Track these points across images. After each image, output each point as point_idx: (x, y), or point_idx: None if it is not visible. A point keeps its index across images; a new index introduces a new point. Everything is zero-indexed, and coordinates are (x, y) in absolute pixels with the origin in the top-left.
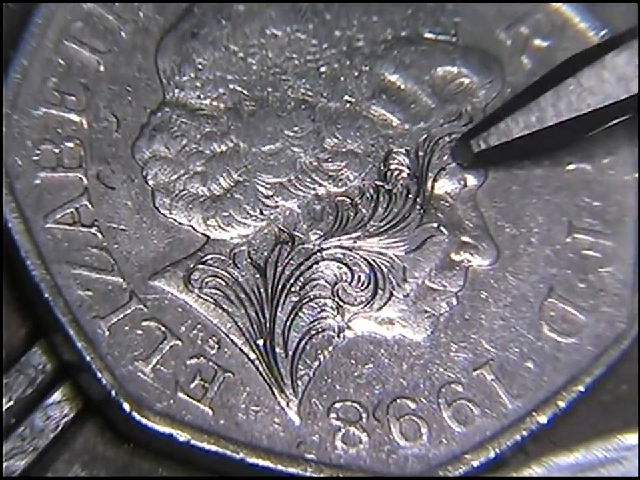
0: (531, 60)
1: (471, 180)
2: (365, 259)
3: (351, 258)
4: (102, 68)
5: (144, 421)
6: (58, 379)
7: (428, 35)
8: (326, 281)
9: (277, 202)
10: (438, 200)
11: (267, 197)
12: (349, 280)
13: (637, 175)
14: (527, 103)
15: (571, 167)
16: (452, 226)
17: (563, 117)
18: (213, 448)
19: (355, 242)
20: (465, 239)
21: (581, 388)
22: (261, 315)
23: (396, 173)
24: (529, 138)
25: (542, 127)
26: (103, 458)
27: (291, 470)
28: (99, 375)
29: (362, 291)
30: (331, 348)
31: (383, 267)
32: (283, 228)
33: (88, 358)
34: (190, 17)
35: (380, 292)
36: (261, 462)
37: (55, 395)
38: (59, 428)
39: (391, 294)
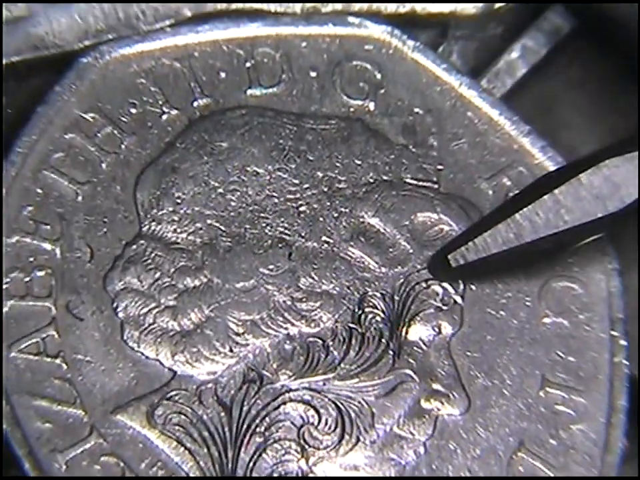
0: None
1: (446, 327)
2: (333, 402)
3: (319, 400)
4: (79, 198)
5: None
6: None
7: (410, 180)
8: (292, 423)
9: (247, 340)
10: (411, 346)
11: (238, 334)
12: (315, 423)
13: (611, 334)
14: (504, 219)
15: (547, 320)
16: (424, 373)
17: (540, 234)
18: None
19: (324, 384)
20: (436, 387)
21: None
22: (224, 455)
23: (370, 316)
24: (506, 253)
25: (519, 243)
26: None
27: None
28: None
29: (328, 434)
30: None
31: (351, 411)
32: (251, 366)
33: None
34: (172, 151)
35: (347, 437)
36: None
37: None
38: None
39: (358, 439)
